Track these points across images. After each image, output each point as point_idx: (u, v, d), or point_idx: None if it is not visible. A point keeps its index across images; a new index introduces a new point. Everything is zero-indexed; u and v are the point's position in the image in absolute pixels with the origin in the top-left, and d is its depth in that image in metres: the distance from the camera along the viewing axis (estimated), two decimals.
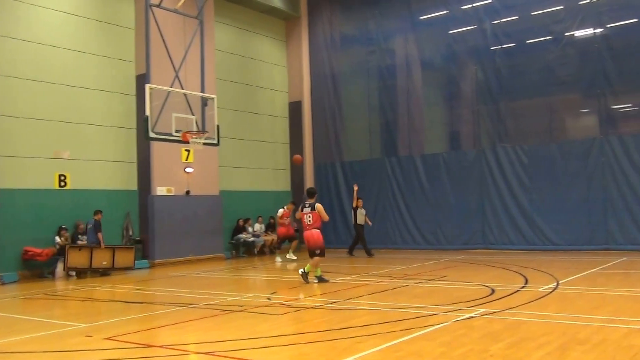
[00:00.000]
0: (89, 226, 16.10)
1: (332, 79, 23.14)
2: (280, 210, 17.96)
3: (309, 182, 23.25)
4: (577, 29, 17.79)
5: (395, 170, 21.14)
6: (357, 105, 22.77)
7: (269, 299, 10.48)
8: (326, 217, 12.19)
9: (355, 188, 18.47)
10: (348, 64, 23.16)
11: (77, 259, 15.35)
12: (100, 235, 15.78)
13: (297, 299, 10.38)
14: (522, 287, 10.61)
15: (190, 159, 19.03)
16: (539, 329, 7.14)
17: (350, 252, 18.85)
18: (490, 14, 19.33)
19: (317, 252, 11.95)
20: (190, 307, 9.87)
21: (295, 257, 17.90)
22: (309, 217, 12.13)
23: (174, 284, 13.78)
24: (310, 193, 12.60)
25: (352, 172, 22.20)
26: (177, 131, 15.26)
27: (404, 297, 10.19)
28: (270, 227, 21.81)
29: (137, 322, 8.94)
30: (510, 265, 14.17)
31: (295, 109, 23.71)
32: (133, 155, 18.35)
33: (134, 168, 18.38)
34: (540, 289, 10.26)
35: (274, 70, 23.59)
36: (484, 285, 10.98)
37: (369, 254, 18.33)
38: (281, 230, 18.20)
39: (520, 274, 12.58)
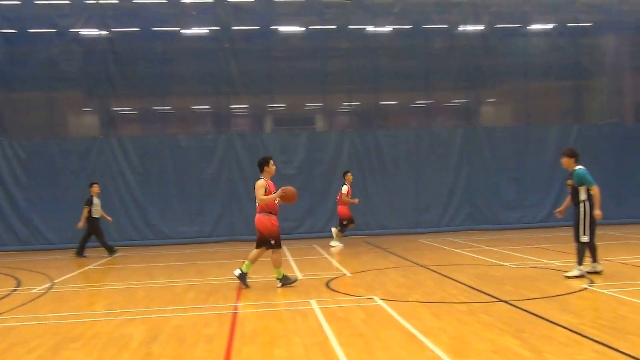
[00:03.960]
0: None
1: None
2: (345, 187, 15.13)
3: None
4: (83, 27, 17.88)
5: None
6: None
7: None
8: (260, 198, 9.01)
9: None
10: None
11: None
12: None
13: None
14: (14, 290, 9.97)
15: None
16: (31, 332, 6.81)
17: (80, 253, 14.81)
18: None
19: (273, 242, 9.07)
20: None
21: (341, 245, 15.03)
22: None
23: None
24: (258, 165, 9.52)
25: None
26: None
27: None
28: None
29: None
30: (1, 268, 13.13)
31: None
32: None
33: None
34: (34, 291, 9.83)
35: None
36: None
37: (111, 250, 14.85)
38: (344, 210, 15.12)
39: (12, 276, 11.78)
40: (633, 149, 18.82)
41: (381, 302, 7.84)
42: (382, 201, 18.22)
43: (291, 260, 12.77)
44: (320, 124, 19.75)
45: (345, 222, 15.30)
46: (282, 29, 19.03)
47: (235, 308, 7.88)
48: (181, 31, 18.64)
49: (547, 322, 6.46)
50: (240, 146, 17.89)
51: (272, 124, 19.26)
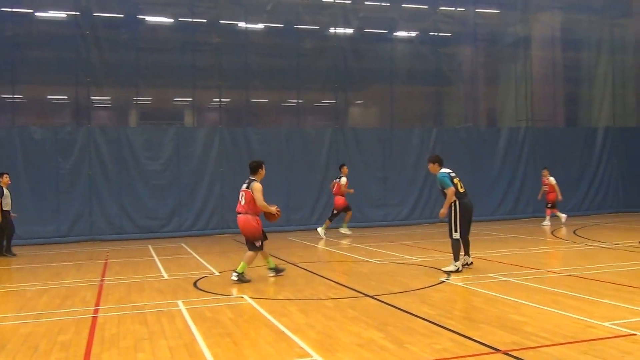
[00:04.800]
0: None
1: None
2: (344, 179, 16.16)
3: None
4: None
5: None
6: None
7: None
8: (261, 203, 9.17)
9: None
10: None
11: None
12: None
13: None
14: None
15: None
16: None
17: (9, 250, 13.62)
18: None
19: (258, 244, 9.32)
20: None
21: (350, 232, 16.50)
22: (242, 196, 9.30)
23: None
24: (251, 167, 9.60)
25: None
26: None
27: None
28: None
29: None
30: None
31: None
32: None
33: None
34: None
35: None
36: None
37: (10, 252, 13.60)
38: (341, 200, 16.16)
39: None
40: (485, 152, 20.33)
41: (250, 301, 7.77)
42: None
43: (157, 260, 12.31)
44: (189, 119, 19.24)
45: (336, 212, 16.23)
46: (150, 19, 18.34)
47: (96, 312, 7.43)
48: (35, 14, 17.27)
49: (409, 315, 6.74)
50: (102, 140, 16.94)
51: (138, 117, 18.44)
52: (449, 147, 19.22)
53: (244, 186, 9.32)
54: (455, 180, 9.69)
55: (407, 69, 20.37)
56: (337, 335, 5.97)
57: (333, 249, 13.45)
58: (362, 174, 19.12)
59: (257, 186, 9.22)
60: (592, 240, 13.69)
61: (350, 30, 19.77)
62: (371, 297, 7.83)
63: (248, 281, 9.26)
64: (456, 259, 9.66)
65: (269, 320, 6.67)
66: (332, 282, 9.07)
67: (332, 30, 19.70)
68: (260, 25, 19.41)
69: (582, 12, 22.44)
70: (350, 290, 8.35)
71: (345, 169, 16.45)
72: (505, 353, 5.19)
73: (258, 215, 9.37)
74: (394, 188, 19.46)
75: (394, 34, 20.45)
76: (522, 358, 5.04)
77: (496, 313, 6.70)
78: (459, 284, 8.68)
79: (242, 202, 9.26)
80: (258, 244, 9.31)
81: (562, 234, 15.56)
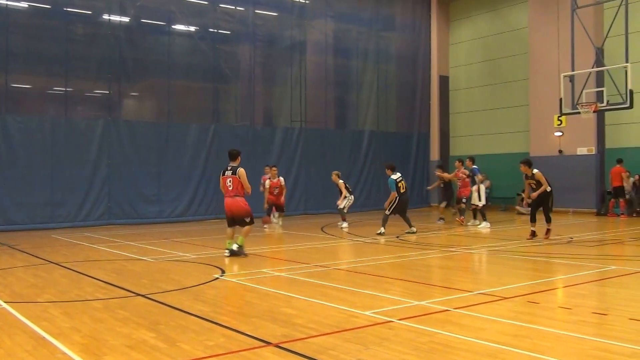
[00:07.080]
0: None
1: None
2: (268, 182, 16.78)
3: None
4: None
5: None
6: None
7: None
8: (248, 186, 10.64)
9: None
10: None
11: None
12: None
13: None
14: None
15: None
16: None
17: None
18: None
19: (248, 219, 10.72)
20: None
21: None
22: (230, 182, 10.58)
23: None
24: (232, 155, 10.83)
25: None
26: None
27: None
28: None
29: None
30: None
31: None
32: None
33: None
34: None
35: None
36: None
37: None
38: (269, 198, 16.96)
39: None
40: (261, 150, 20.98)
41: (5, 306, 7.05)
42: (11, 194, 16.43)
43: None
44: None
45: (266, 207, 17.06)
46: None
47: None
48: None
49: (182, 313, 6.69)
50: None
51: None
52: (226, 144, 19.41)
53: (229, 172, 10.57)
54: (400, 184, 14.35)
55: (186, 64, 20.15)
56: (105, 337, 5.71)
57: (102, 247, 12.78)
58: (136, 168, 18.46)
59: (244, 172, 10.59)
60: (356, 235, 14.89)
61: (126, 19, 18.91)
62: (143, 296, 7.62)
63: (245, 255, 10.71)
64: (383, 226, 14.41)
65: (27, 325, 6.12)
66: (101, 282, 8.62)
67: (106, 17, 18.64)
68: (24, 4, 17.62)
69: (352, 23, 24.35)
70: (121, 290, 8.03)
71: (272, 170, 17.08)
72: (276, 345, 5.35)
73: (244, 197, 10.73)
74: (169, 184, 19.12)
75: (173, 26, 20.07)
76: (292, 349, 5.24)
77: (268, 307, 6.91)
78: (233, 280, 8.85)
79: (231, 187, 10.53)
80: (248, 219, 10.70)
81: (331, 230, 16.71)
